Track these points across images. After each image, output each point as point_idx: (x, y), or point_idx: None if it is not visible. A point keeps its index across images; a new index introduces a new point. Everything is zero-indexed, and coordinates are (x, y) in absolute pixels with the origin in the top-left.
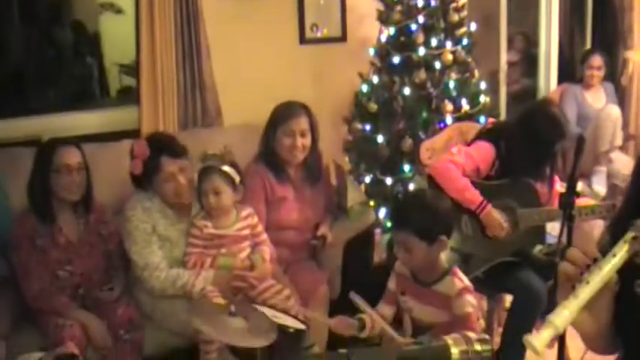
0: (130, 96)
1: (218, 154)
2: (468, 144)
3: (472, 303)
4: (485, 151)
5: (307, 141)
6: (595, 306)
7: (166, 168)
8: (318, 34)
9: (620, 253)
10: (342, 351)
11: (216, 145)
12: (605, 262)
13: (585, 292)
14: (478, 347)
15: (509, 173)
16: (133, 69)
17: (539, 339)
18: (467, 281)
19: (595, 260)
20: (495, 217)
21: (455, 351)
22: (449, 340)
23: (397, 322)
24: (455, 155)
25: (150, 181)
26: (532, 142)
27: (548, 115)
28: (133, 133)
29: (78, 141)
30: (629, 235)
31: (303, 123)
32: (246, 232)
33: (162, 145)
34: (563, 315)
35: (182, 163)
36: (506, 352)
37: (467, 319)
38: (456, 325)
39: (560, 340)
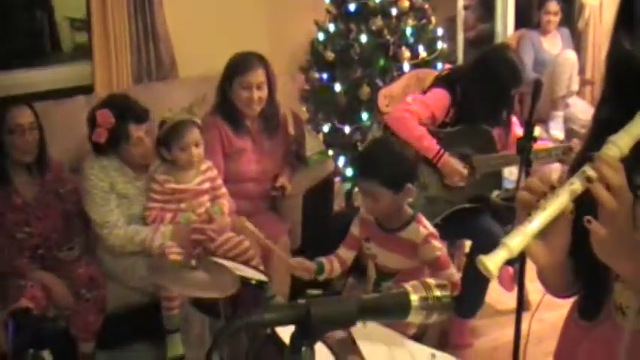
0: (82, 51)
1: (186, 106)
2: (425, 91)
3: (439, 247)
4: (440, 98)
5: (264, 93)
6: (550, 234)
7: (134, 134)
8: None
9: (578, 182)
10: (302, 301)
11: (172, 98)
12: (562, 190)
13: (540, 217)
14: (438, 293)
15: (466, 119)
16: (84, 22)
17: (492, 260)
18: (431, 227)
19: (553, 189)
20: (453, 164)
21: (414, 298)
22: (408, 287)
23: (358, 270)
24: (410, 104)
25: (115, 149)
26: (488, 86)
27: (504, 59)
28: (87, 89)
29: (30, 99)
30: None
31: (260, 75)
32: (207, 185)
33: (126, 111)
34: (517, 238)
35: (147, 126)
36: (466, 297)
37: (438, 262)
38: (430, 270)
39: (520, 282)
